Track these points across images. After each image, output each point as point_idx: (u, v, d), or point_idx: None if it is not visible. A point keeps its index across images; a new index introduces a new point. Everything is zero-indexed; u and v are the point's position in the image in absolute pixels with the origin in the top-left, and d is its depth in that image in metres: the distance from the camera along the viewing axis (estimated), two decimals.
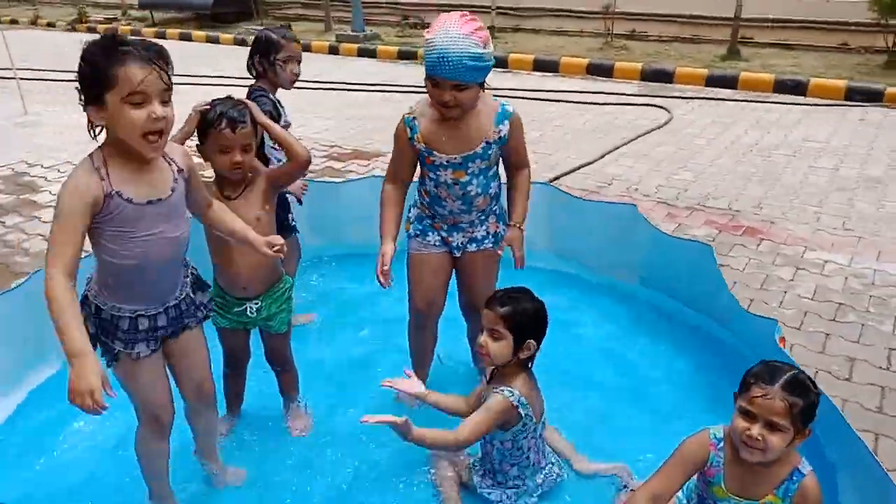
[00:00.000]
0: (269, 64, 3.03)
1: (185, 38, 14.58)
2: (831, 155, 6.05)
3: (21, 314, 2.85)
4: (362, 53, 12.13)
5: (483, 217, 2.62)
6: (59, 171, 5.94)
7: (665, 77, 9.28)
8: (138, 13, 17.58)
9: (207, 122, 2.29)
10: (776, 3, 11.79)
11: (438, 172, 2.48)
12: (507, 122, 2.44)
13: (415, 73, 10.21)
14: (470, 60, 2.18)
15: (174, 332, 2.08)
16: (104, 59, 1.69)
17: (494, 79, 9.51)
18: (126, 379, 2.05)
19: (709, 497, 2.03)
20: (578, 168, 5.77)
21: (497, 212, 2.67)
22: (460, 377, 3.01)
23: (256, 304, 2.49)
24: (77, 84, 1.74)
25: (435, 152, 2.44)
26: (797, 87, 8.39)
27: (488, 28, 12.58)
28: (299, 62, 3.09)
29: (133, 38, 1.76)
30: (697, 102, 8.09)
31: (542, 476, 2.37)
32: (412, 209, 2.72)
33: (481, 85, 2.35)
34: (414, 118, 2.46)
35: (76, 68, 1.74)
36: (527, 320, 2.20)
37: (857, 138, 6.55)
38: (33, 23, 17.38)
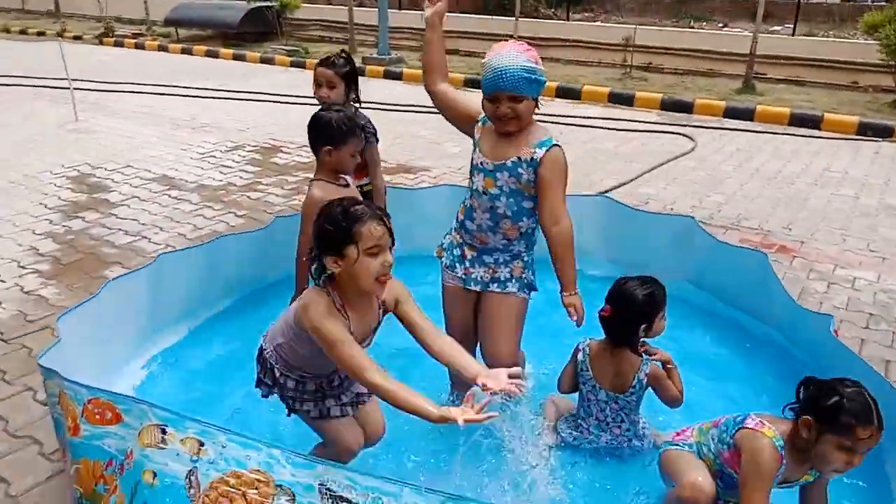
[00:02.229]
0: None
1: (212, 55, 15.02)
2: (851, 184, 6.45)
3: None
4: (388, 76, 12.57)
5: (509, 256, 2.63)
6: (122, 173, 6.27)
7: (685, 108, 9.71)
8: (163, 29, 18.04)
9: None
10: (788, 43, 12.37)
11: (475, 177, 2.60)
12: (544, 148, 2.48)
13: None
14: (525, 73, 2.38)
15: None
16: (347, 220, 1.99)
17: None
18: (315, 424, 2.40)
19: None
20: (615, 188, 6.13)
21: (525, 259, 2.66)
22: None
23: None
24: (317, 239, 2.06)
25: (477, 149, 2.62)
26: (812, 121, 8.83)
27: None
28: (330, 86, 3.35)
29: (359, 206, 2.04)
30: (719, 132, 8.51)
31: (607, 436, 2.70)
32: (446, 236, 2.83)
33: (535, 103, 2.48)
34: (486, 117, 2.60)
35: (317, 227, 2.05)
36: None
37: (873, 170, 6.96)
38: (60, 35, 17.80)
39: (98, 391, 2.15)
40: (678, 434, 2.46)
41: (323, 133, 2.75)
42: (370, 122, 3.46)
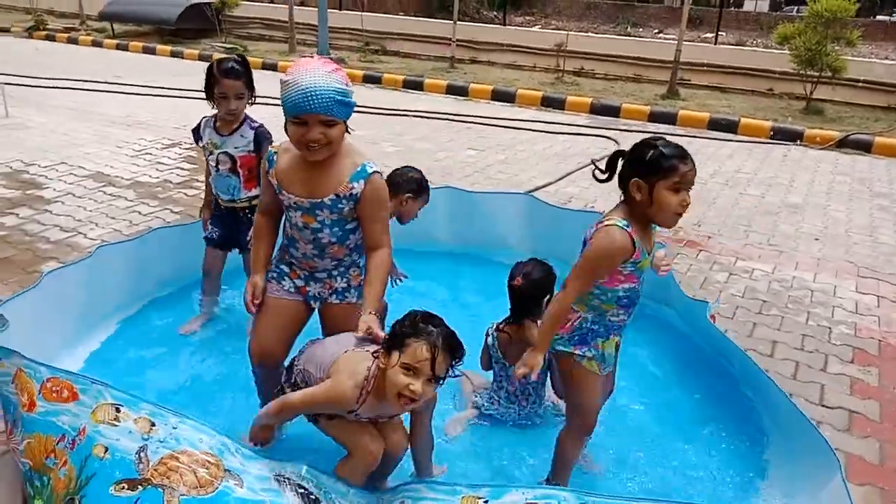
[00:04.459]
0: (210, 94, 3.26)
1: (149, 51, 14.85)
2: (759, 184, 6.95)
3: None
4: None
5: (343, 268, 2.53)
6: (56, 170, 6.27)
7: (612, 112, 10.18)
8: (97, 24, 17.69)
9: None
10: (712, 51, 13.03)
11: (290, 213, 2.42)
12: (362, 181, 2.32)
13: (382, 97, 10.86)
14: (338, 94, 2.17)
15: None
16: (408, 327, 2.05)
17: (457, 106, 10.28)
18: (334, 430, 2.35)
19: (635, 275, 2.27)
20: (541, 187, 6.47)
21: (360, 264, 2.55)
22: None
23: None
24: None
25: (284, 191, 2.37)
26: (729, 126, 9.40)
27: (448, 58, 13.36)
28: (239, 97, 3.22)
29: (440, 321, 2.08)
30: (641, 136, 8.95)
31: (516, 408, 2.99)
32: (278, 250, 2.64)
33: (346, 127, 2.31)
34: (275, 152, 2.40)
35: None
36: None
37: (781, 171, 7.50)
38: None
39: (58, 370, 2.30)
40: (567, 325, 2.34)
41: (410, 184, 3.25)
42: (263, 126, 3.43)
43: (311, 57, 2.29)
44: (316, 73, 2.15)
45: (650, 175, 2.15)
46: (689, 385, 3.37)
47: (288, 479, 2.07)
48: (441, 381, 2.07)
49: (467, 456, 2.84)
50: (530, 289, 2.86)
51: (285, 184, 2.37)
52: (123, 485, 2.08)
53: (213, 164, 3.37)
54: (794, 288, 4.59)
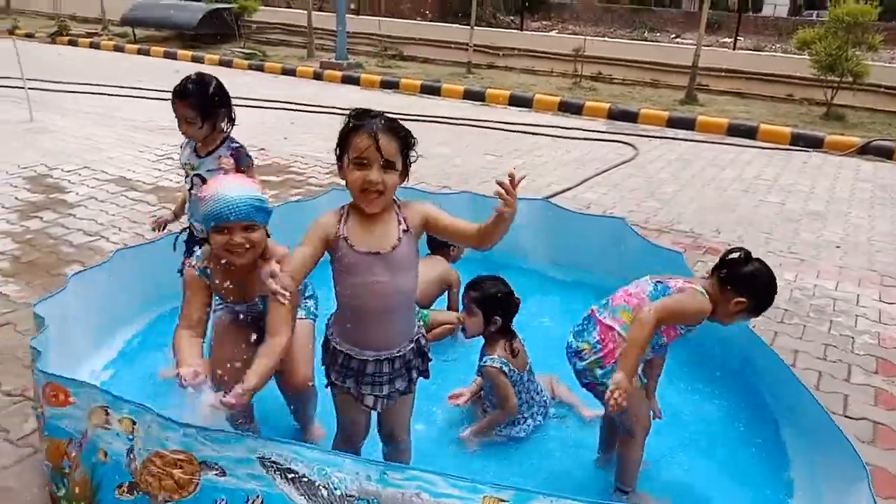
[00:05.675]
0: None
1: (170, 56, 15.01)
2: (779, 191, 6.90)
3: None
4: (346, 80, 12.77)
5: None
6: (79, 174, 6.36)
7: (630, 117, 10.15)
8: (119, 29, 17.90)
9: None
10: (730, 56, 12.97)
11: (232, 306, 2.62)
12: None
13: (399, 102, 10.89)
14: (255, 202, 2.35)
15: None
16: (346, 127, 2.09)
17: (474, 111, 10.30)
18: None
19: (680, 336, 2.54)
20: (559, 193, 6.46)
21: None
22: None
23: None
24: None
25: (225, 302, 2.61)
26: (748, 132, 9.34)
27: (465, 64, 13.38)
28: (189, 123, 2.97)
29: (377, 113, 2.12)
30: (660, 141, 8.94)
31: (534, 409, 3.01)
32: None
33: (266, 232, 2.45)
34: (206, 266, 2.51)
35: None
36: (491, 301, 2.93)
37: (801, 178, 7.44)
38: (11, 33, 17.52)
39: (51, 376, 2.29)
40: (613, 358, 2.46)
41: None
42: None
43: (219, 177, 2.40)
44: (232, 186, 2.37)
45: (753, 307, 2.49)
46: (706, 391, 3.36)
47: (274, 463, 1.93)
48: (401, 169, 2.10)
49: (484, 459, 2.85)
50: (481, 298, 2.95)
51: (223, 294, 2.55)
52: (124, 488, 2.11)
53: (189, 186, 3.18)
54: (815, 296, 4.55)
